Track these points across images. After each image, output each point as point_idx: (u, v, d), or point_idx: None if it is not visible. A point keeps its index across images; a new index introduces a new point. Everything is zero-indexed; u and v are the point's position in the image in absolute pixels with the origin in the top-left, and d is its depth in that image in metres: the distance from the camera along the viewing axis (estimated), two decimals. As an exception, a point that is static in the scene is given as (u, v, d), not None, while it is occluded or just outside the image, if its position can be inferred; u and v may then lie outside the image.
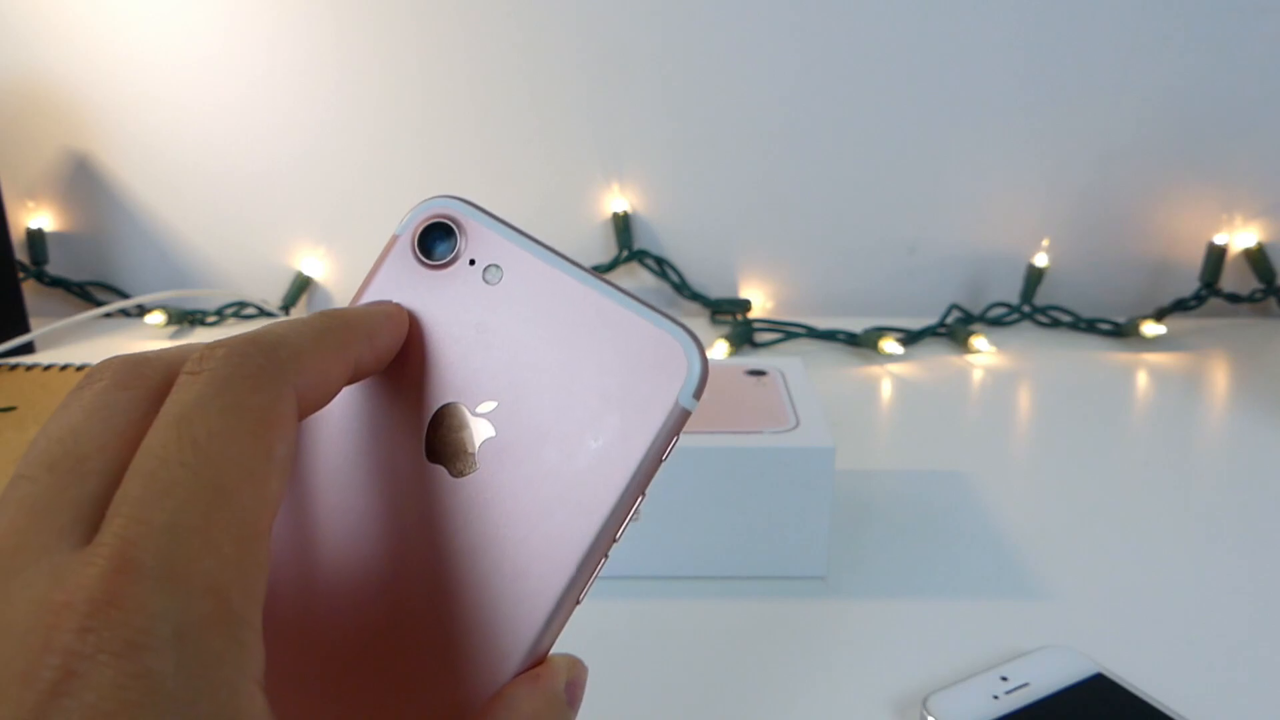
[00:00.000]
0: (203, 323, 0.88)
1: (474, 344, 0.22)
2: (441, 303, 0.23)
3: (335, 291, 0.93)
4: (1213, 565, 0.50)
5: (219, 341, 0.18)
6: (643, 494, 0.21)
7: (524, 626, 0.21)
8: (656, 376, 0.21)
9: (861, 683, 0.41)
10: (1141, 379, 0.76)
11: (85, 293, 0.92)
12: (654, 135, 0.87)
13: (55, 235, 0.92)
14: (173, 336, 0.86)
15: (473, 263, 0.23)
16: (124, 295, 0.92)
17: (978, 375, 0.77)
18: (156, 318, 0.87)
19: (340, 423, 0.23)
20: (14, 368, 0.74)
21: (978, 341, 0.81)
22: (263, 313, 0.90)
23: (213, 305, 0.90)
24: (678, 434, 0.21)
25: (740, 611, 0.45)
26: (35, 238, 0.90)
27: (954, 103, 0.85)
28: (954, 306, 0.87)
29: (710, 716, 0.39)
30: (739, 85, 0.86)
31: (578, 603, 0.21)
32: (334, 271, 0.92)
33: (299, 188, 0.90)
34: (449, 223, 0.23)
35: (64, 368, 0.73)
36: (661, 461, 0.21)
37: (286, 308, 0.91)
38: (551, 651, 0.21)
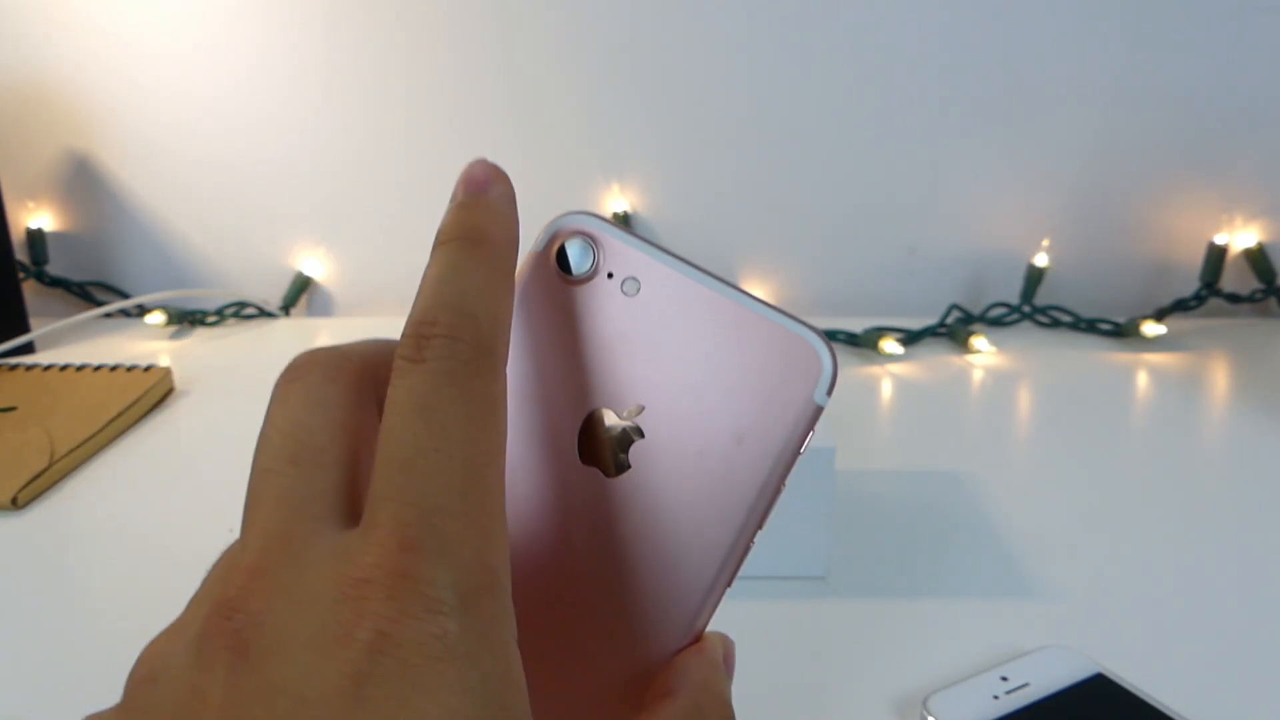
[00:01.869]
0: (203, 323, 0.88)
1: (618, 353, 0.24)
2: (585, 315, 0.24)
3: (335, 291, 0.93)
4: (1213, 565, 0.50)
5: (429, 321, 0.20)
6: (783, 485, 0.23)
7: (685, 607, 0.23)
8: (792, 376, 0.23)
9: (861, 683, 0.41)
10: (1142, 379, 0.76)
11: (85, 293, 0.92)
12: (654, 135, 0.87)
13: (55, 235, 0.92)
14: (173, 337, 0.86)
15: (611, 275, 0.24)
16: (124, 295, 0.92)
17: (978, 375, 0.77)
18: (156, 318, 0.87)
19: (512, 424, 0.24)
20: (14, 368, 0.74)
21: (978, 341, 0.81)
22: (263, 313, 0.90)
23: (213, 305, 0.90)
24: (813, 429, 0.23)
25: (740, 611, 0.45)
26: (35, 238, 0.90)
27: (954, 102, 0.85)
28: (954, 306, 0.87)
29: (710, 716, 0.39)
30: (739, 85, 0.86)
31: (729, 585, 0.23)
32: (334, 271, 0.92)
33: (299, 188, 0.90)
34: (586, 238, 0.24)
35: (64, 368, 0.73)
36: (799, 455, 0.23)
37: (286, 308, 0.91)
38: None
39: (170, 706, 0.17)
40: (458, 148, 0.88)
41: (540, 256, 0.24)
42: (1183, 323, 0.86)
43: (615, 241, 0.24)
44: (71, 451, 0.61)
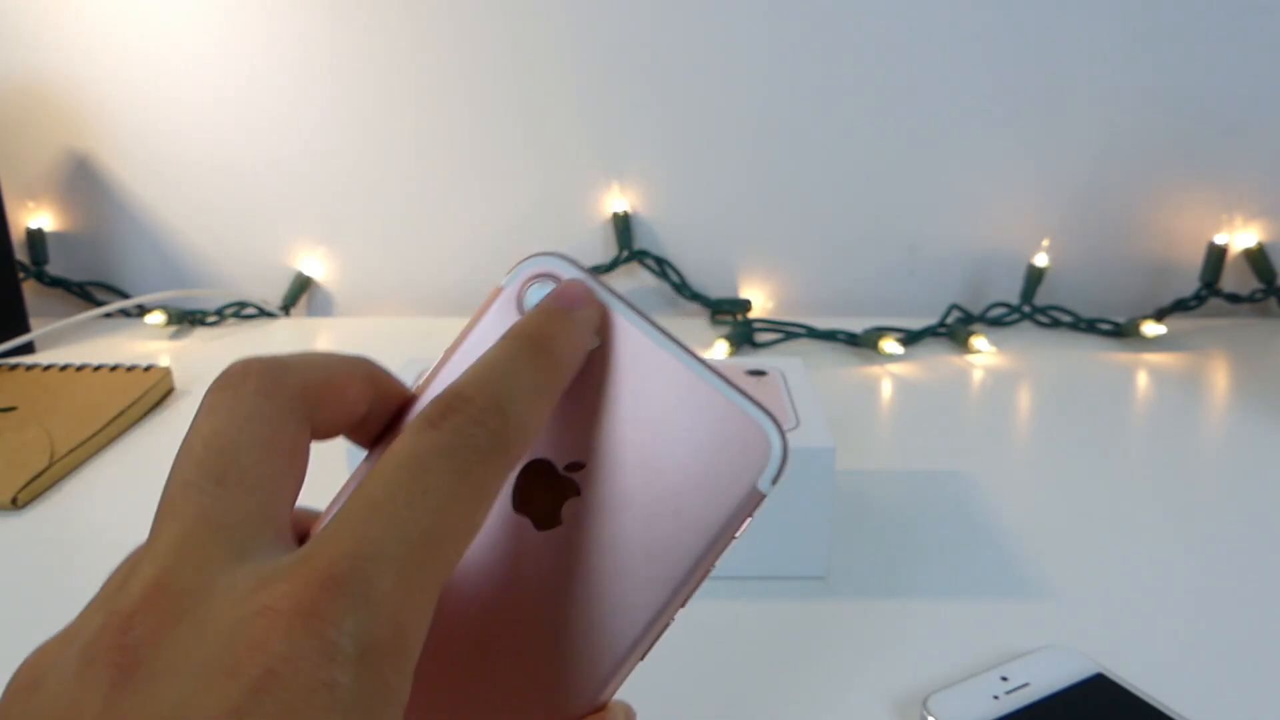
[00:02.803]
0: (203, 323, 0.88)
1: (569, 405, 0.23)
2: None
3: (335, 292, 0.93)
4: (1213, 565, 0.50)
5: (462, 396, 0.20)
6: (712, 568, 0.22)
7: (593, 675, 0.22)
8: (739, 460, 0.22)
9: (861, 683, 0.41)
10: (1142, 379, 0.76)
11: (85, 293, 0.92)
12: (654, 135, 0.87)
13: (55, 235, 0.92)
14: (173, 337, 0.86)
15: None
16: (124, 295, 0.92)
17: (978, 375, 0.77)
18: (156, 318, 0.87)
19: None
20: (14, 368, 0.74)
21: (978, 341, 0.81)
22: (263, 313, 0.90)
23: (213, 305, 0.90)
24: (752, 515, 0.22)
25: (740, 611, 0.45)
26: (35, 238, 0.90)
27: (954, 102, 0.85)
28: (954, 306, 0.87)
29: (710, 716, 0.39)
30: (739, 85, 0.86)
31: (642, 658, 0.22)
32: (334, 271, 0.92)
33: (299, 188, 0.90)
34: (553, 282, 0.24)
35: (64, 368, 0.73)
36: (734, 539, 0.22)
37: (286, 308, 0.91)
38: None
39: (45, 718, 0.16)
40: (458, 148, 0.88)
41: (503, 294, 0.24)
42: (1183, 323, 0.86)
43: None
44: (71, 451, 0.61)
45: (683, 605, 0.22)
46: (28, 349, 0.81)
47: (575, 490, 0.23)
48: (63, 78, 0.87)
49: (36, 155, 0.89)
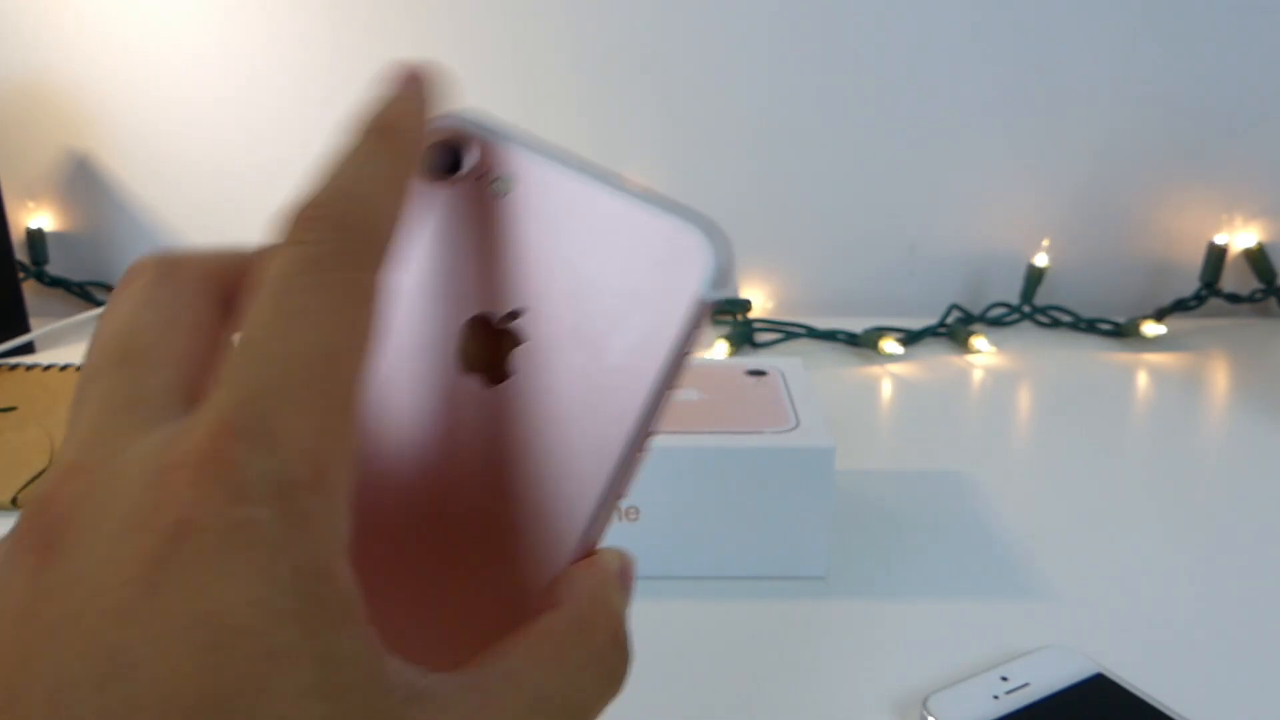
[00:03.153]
0: (203, 323, 0.88)
1: (496, 255, 0.23)
2: (457, 218, 0.23)
3: (335, 291, 0.93)
4: (1213, 565, 0.50)
5: (314, 206, 0.19)
6: (673, 386, 0.22)
7: (573, 519, 0.22)
8: (677, 270, 0.21)
9: (861, 683, 0.41)
10: (1142, 379, 0.76)
11: (85, 293, 0.92)
12: (652, 135, 0.87)
13: (55, 235, 0.92)
14: (173, 336, 0.86)
15: (483, 176, 0.23)
16: (124, 295, 0.92)
17: (978, 375, 0.77)
18: (156, 318, 0.87)
19: (390, 336, 0.23)
20: (14, 368, 0.74)
21: (978, 341, 0.81)
22: (263, 313, 0.90)
23: (213, 305, 0.90)
24: (701, 325, 0.22)
25: (740, 611, 0.45)
26: (35, 238, 0.90)
27: (954, 102, 0.85)
28: (954, 306, 0.87)
29: (710, 716, 0.39)
30: (738, 85, 0.86)
31: (620, 496, 0.22)
32: (334, 271, 0.92)
33: (299, 187, 0.90)
34: (453, 138, 0.23)
35: (64, 368, 0.73)
36: (689, 354, 0.22)
37: (286, 308, 0.91)
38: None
39: None
40: (458, 148, 0.88)
41: None
42: (1183, 323, 0.86)
43: (486, 140, 0.23)
44: (71, 451, 0.61)
45: (651, 432, 0.22)
46: (28, 349, 0.81)
47: (520, 338, 0.22)
48: (63, 78, 0.87)
49: (36, 155, 0.89)
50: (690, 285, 0.21)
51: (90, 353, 0.19)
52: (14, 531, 0.17)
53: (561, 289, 0.22)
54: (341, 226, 0.19)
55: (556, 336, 0.22)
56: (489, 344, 0.23)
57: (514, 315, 0.22)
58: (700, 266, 0.21)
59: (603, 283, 0.22)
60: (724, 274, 0.21)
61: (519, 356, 0.22)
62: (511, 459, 0.22)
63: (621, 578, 0.22)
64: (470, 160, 0.23)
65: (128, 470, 0.17)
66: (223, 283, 0.20)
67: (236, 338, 0.18)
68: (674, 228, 0.21)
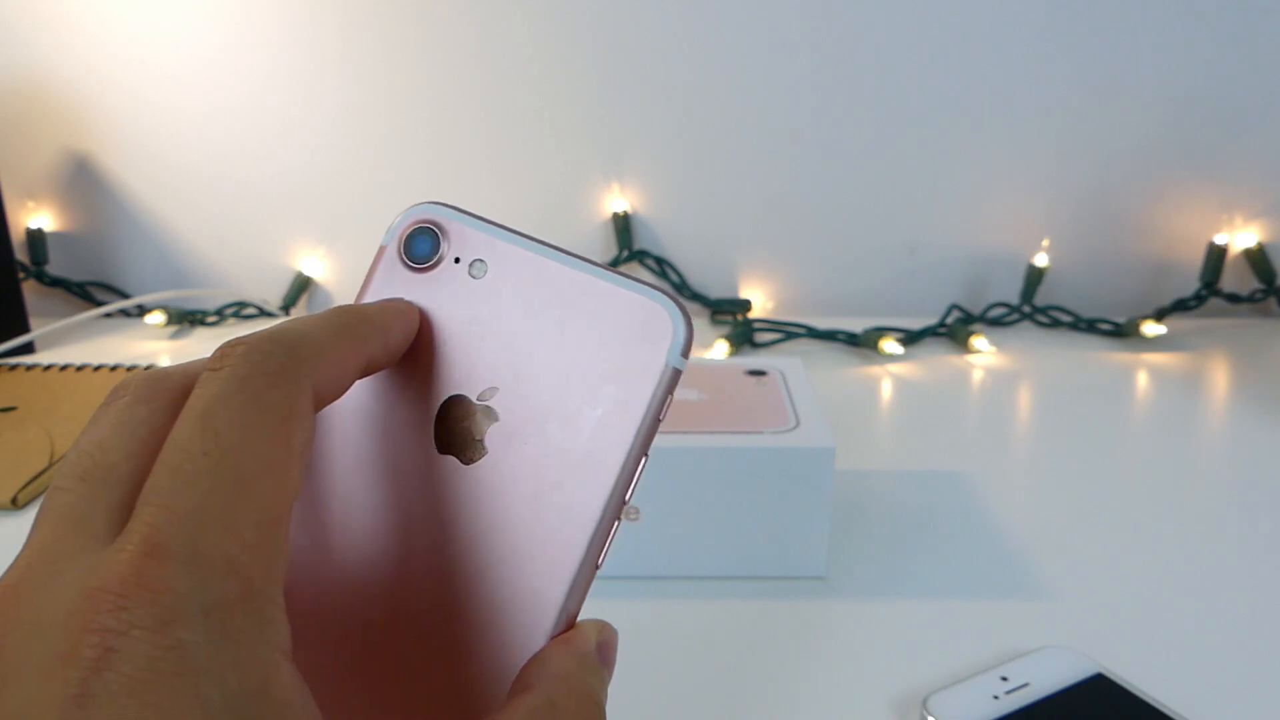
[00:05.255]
0: (203, 323, 0.88)
1: (470, 337, 0.24)
2: (434, 303, 0.24)
3: (335, 291, 0.93)
4: (1213, 565, 0.50)
5: (240, 339, 0.19)
6: (645, 455, 0.23)
7: (549, 595, 0.22)
8: (644, 343, 0.23)
9: (861, 683, 0.41)
10: (1142, 379, 0.76)
11: (85, 293, 0.92)
12: (654, 136, 0.87)
13: (55, 235, 0.92)
14: (173, 337, 0.86)
15: (458, 260, 0.24)
16: (124, 295, 0.92)
17: (978, 375, 0.77)
18: (156, 318, 0.87)
19: (351, 421, 0.24)
20: (14, 368, 0.74)
21: (978, 341, 0.81)
22: (263, 313, 0.90)
23: (213, 305, 0.90)
24: (671, 393, 0.23)
25: (740, 611, 0.45)
26: (35, 238, 0.90)
27: (954, 103, 0.85)
28: (954, 306, 0.87)
29: (710, 716, 0.39)
30: (739, 85, 0.86)
31: (597, 568, 0.22)
32: (334, 271, 0.92)
33: (299, 188, 0.90)
34: (430, 227, 0.24)
35: (64, 368, 0.73)
36: (659, 421, 0.23)
37: (286, 308, 0.91)
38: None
39: None
40: (458, 148, 0.88)
41: (386, 252, 0.25)
42: (1183, 323, 0.86)
43: (460, 226, 0.24)
44: (71, 451, 0.61)
45: (625, 502, 0.22)
46: (28, 349, 0.81)
47: (494, 416, 0.23)
48: (63, 78, 0.87)
49: (36, 155, 0.89)
50: (658, 355, 0.22)
51: (59, 469, 0.19)
52: None
53: (534, 367, 0.23)
54: (267, 353, 0.19)
55: (530, 413, 0.23)
56: (464, 424, 0.23)
57: (490, 393, 0.23)
58: (668, 337, 0.22)
59: (574, 358, 0.23)
60: (688, 343, 0.23)
61: (494, 435, 0.23)
62: (487, 537, 0.22)
63: (601, 652, 0.22)
64: (446, 247, 0.24)
65: (61, 593, 0.16)
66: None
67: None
68: (640, 302, 0.23)
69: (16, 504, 0.56)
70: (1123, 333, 0.84)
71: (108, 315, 0.89)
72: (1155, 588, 0.48)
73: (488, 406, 0.23)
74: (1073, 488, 0.58)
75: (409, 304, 0.24)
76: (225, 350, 0.19)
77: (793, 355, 0.80)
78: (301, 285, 0.91)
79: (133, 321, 0.90)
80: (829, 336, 0.83)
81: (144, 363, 0.74)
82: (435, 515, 0.23)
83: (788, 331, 0.84)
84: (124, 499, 0.18)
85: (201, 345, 0.84)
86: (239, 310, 0.90)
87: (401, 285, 0.24)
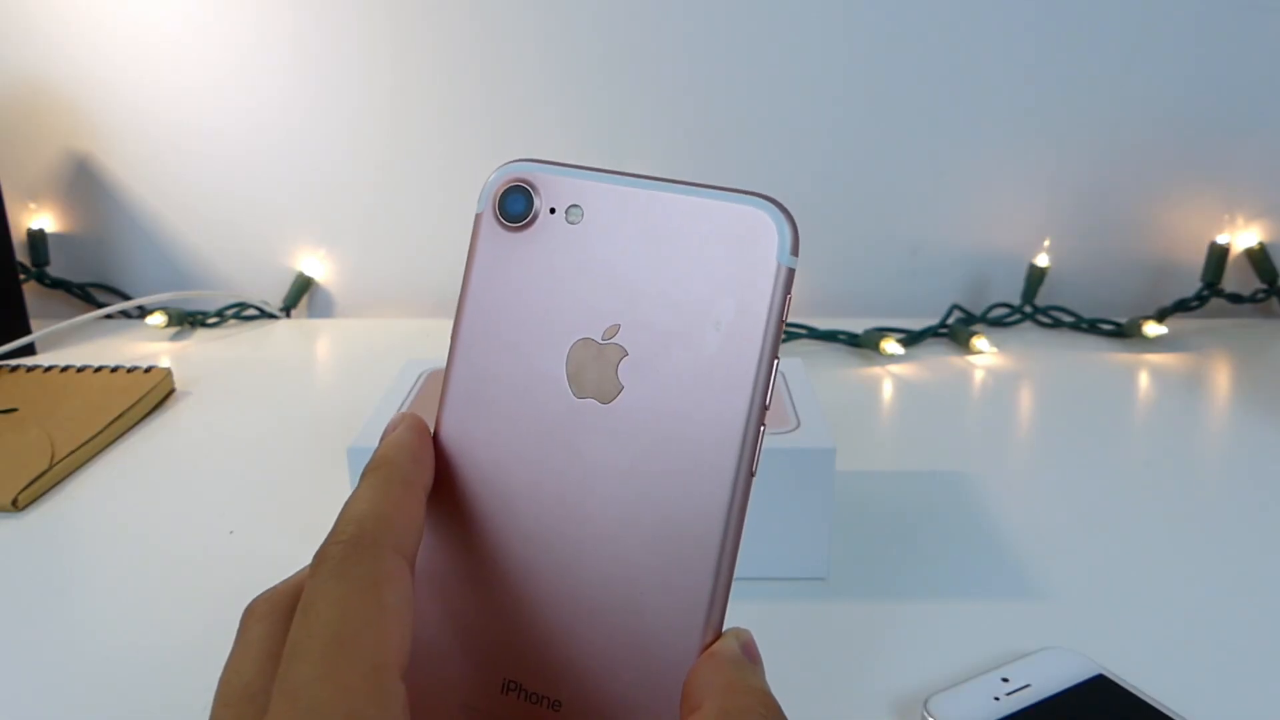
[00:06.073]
0: (204, 324, 0.88)
1: (581, 281, 0.24)
2: (540, 256, 0.25)
3: (336, 292, 0.93)
4: (1213, 565, 0.50)
5: (329, 539, 0.22)
6: (776, 357, 0.23)
7: (707, 539, 0.24)
8: (752, 249, 0.23)
9: (861, 683, 0.41)
10: (1143, 379, 0.76)
11: (86, 294, 0.92)
12: (654, 135, 0.87)
13: (56, 236, 0.92)
14: (173, 338, 0.86)
15: (553, 211, 0.25)
16: (125, 296, 0.92)
17: (979, 376, 0.77)
18: (157, 319, 0.87)
19: (496, 386, 0.25)
20: (15, 369, 0.74)
21: (979, 342, 0.81)
22: (263, 314, 0.90)
23: (213, 306, 0.90)
24: (789, 292, 0.24)
25: (740, 611, 0.45)
26: (36, 239, 0.91)
27: (955, 103, 0.85)
28: (955, 307, 0.87)
29: (710, 717, 0.39)
30: (739, 85, 0.86)
31: (752, 475, 0.23)
32: (335, 272, 0.92)
33: (300, 189, 0.90)
34: (520, 184, 0.25)
35: (65, 369, 0.74)
36: (784, 323, 0.23)
37: (287, 309, 0.91)
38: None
39: None
40: (459, 149, 0.88)
41: (483, 218, 0.25)
42: (1184, 323, 0.86)
43: (547, 177, 0.25)
44: (72, 453, 0.61)
45: (766, 407, 0.23)
46: (29, 350, 0.81)
47: (623, 351, 0.24)
48: (63, 78, 0.87)
49: (37, 156, 0.90)
50: (768, 257, 0.23)
51: (214, 697, 0.22)
52: None
53: (649, 296, 0.24)
54: (348, 541, 0.22)
55: (656, 340, 0.23)
56: (595, 365, 0.24)
57: (612, 331, 0.24)
58: (774, 238, 0.23)
59: (686, 278, 0.23)
60: (795, 240, 0.24)
61: (625, 369, 0.24)
62: (639, 468, 0.23)
63: (747, 651, 0.24)
64: (539, 201, 0.25)
65: None
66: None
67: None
68: (738, 211, 0.23)
69: (17, 505, 0.56)
70: (1124, 333, 0.84)
71: (108, 316, 0.90)
72: (1157, 589, 0.48)
73: (613, 343, 0.24)
74: (1074, 488, 0.58)
75: (412, 415, 0.25)
76: (323, 550, 0.22)
77: (793, 356, 0.80)
78: (302, 286, 0.91)
79: (133, 323, 0.90)
80: (830, 337, 0.83)
81: (145, 364, 0.74)
82: (586, 462, 0.24)
83: (788, 332, 0.84)
84: (265, 706, 0.20)
85: (202, 346, 0.84)
86: (240, 311, 0.90)
87: (505, 247, 0.25)
